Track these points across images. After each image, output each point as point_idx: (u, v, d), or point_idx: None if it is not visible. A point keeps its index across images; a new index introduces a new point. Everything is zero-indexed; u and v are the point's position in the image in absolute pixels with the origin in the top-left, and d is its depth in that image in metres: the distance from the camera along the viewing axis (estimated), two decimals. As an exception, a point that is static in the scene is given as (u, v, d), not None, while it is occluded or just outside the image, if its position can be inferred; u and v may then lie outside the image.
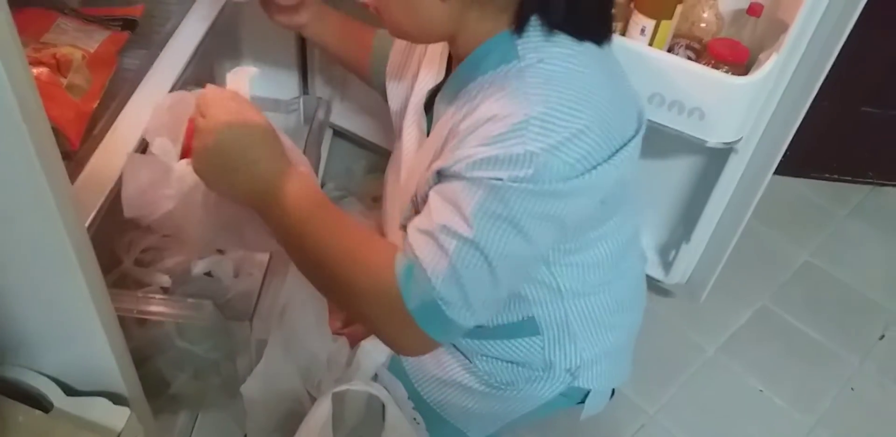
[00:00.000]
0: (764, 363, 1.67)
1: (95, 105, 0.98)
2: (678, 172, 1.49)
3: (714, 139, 1.20)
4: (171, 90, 1.08)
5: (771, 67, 1.12)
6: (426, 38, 0.87)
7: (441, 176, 0.79)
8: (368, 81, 1.18)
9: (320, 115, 1.23)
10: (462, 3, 0.78)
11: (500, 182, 0.73)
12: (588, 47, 0.80)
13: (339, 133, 1.84)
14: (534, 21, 0.78)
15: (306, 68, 1.64)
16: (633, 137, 0.82)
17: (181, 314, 0.90)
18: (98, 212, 0.88)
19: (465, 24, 0.80)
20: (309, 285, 0.95)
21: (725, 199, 1.42)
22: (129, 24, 1.13)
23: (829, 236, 1.95)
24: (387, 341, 0.83)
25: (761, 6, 1.18)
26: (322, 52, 1.20)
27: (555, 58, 0.77)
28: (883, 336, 1.74)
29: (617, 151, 0.79)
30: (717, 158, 1.35)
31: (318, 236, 0.79)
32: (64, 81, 0.94)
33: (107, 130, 0.99)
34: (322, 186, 1.69)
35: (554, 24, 0.78)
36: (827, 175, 2.08)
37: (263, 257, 1.13)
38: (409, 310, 0.76)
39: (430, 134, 0.90)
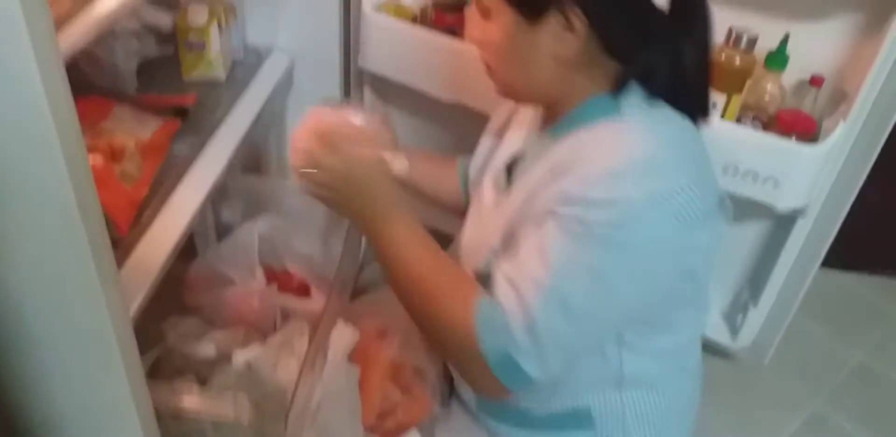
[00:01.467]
0: (818, 473, 1.57)
1: (145, 192, 0.98)
2: (745, 237, 1.51)
3: (785, 205, 1.25)
4: (219, 177, 1.10)
5: (838, 135, 1.18)
6: (532, 98, 0.89)
7: (533, 220, 0.79)
8: (456, 205, 1.17)
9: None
10: (572, 66, 0.80)
11: (588, 227, 0.72)
12: (685, 120, 0.82)
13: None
14: (636, 87, 0.81)
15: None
16: (717, 213, 0.81)
17: (217, 413, 0.88)
18: (143, 300, 0.87)
19: (570, 85, 0.82)
20: (343, 378, 0.94)
21: (791, 260, 1.43)
22: (181, 112, 1.16)
23: (883, 335, 1.86)
24: (464, 380, 0.85)
25: (822, 77, 1.24)
26: (411, 188, 1.18)
27: (657, 117, 0.80)
28: (945, 445, 1.64)
29: (708, 217, 0.77)
30: (784, 221, 1.38)
31: (412, 269, 0.82)
32: (117, 169, 0.95)
33: (154, 217, 1.00)
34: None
35: (656, 92, 0.81)
36: (879, 269, 2.01)
37: (302, 347, 1.11)
38: (482, 354, 0.77)
39: (514, 190, 0.90)
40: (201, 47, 1.25)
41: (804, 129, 1.24)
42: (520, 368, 0.76)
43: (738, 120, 1.28)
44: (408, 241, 0.82)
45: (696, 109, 0.84)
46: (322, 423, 0.98)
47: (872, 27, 1.17)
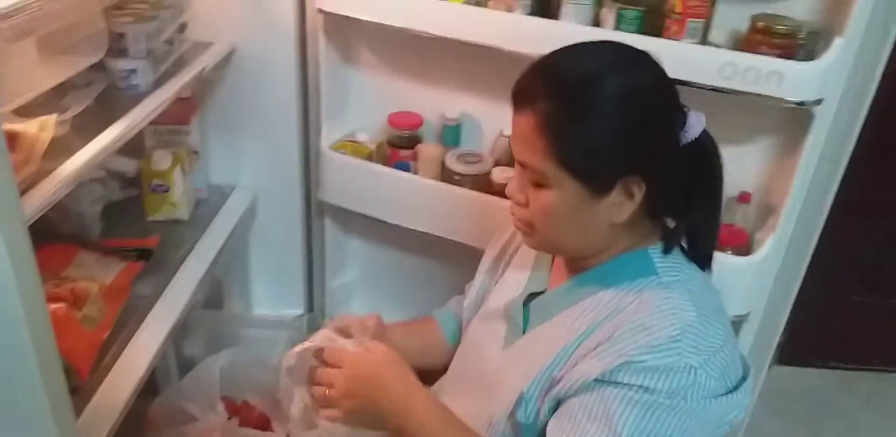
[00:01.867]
0: None
1: (107, 335, 1.01)
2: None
3: (729, 314, 1.28)
4: (180, 315, 1.13)
5: (770, 246, 1.26)
6: (571, 254, 0.91)
7: (582, 382, 0.79)
8: (444, 363, 1.13)
9: (323, 332, 1.25)
10: (623, 227, 0.84)
11: (653, 395, 0.75)
12: (703, 273, 0.89)
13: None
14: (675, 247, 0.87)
15: (313, 285, 1.69)
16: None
17: None
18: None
19: (611, 242, 0.86)
20: None
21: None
22: (144, 254, 1.19)
23: (841, 428, 1.88)
24: None
25: (750, 194, 1.32)
26: None
27: (694, 280, 0.85)
28: None
29: (745, 376, 0.83)
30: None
31: None
32: (79, 314, 0.98)
33: (116, 359, 1.01)
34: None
35: (693, 253, 0.88)
36: (832, 364, 2.07)
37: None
38: None
39: (540, 334, 0.91)
40: (165, 190, 1.31)
41: (737, 242, 1.31)
42: None
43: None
44: (434, 421, 0.84)
45: (707, 260, 0.90)
46: None
47: (790, 148, 1.27)
